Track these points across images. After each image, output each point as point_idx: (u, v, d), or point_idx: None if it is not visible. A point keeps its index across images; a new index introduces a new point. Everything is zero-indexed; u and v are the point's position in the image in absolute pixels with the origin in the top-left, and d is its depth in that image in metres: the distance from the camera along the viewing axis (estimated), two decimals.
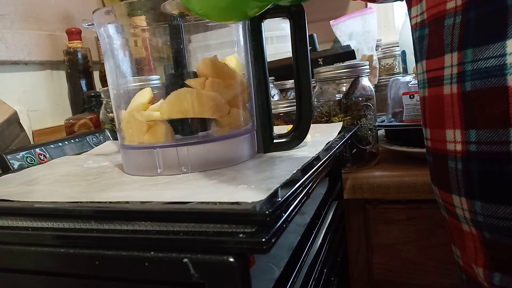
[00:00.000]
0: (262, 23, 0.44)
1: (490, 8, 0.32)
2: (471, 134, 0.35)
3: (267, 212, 0.24)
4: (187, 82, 0.41)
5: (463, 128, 0.35)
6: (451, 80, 0.36)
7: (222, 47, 0.45)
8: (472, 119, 0.34)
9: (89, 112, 0.91)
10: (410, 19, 0.44)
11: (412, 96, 0.69)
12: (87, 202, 0.32)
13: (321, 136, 0.52)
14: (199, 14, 0.36)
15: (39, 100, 0.98)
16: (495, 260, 0.36)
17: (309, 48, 0.45)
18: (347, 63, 0.74)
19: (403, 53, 1.05)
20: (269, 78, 0.52)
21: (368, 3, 1.16)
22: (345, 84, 0.66)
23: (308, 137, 0.47)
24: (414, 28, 0.42)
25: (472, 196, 0.36)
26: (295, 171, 0.34)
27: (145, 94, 0.42)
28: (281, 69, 0.85)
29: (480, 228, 0.36)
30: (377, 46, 1.05)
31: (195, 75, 0.42)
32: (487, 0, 0.32)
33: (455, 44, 0.35)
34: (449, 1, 0.35)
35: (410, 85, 0.71)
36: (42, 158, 0.58)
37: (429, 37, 0.39)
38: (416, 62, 0.44)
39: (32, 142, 0.82)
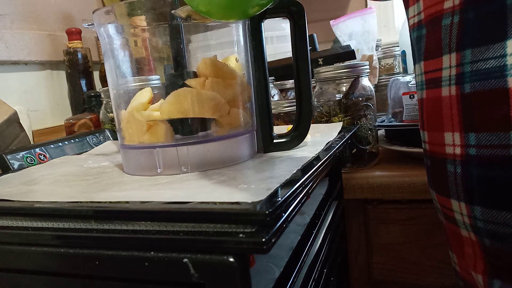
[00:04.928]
0: (262, 23, 0.44)
1: (490, 7, 0.31)
2: (471, 138, 0.34)
3: (267, 212, 0.24)
4: (187, 82, 0.41)
5: (462, 131, 0.34)
6: (450, 82, 0.35)
7: (222, 47, 0.45)
8: (472, 122, 0.33)
9: (89, 112, 0.91)
10: (408, 19, 0.43)
11: (412, 96, 0.69)
12: (87, 202, 0.32)
13: (321, 136, 0.52)
14: (201, 12, 0.36)
15: (39, 100, 0.98)
16: (495, 267, 0.35)
17: (309, 48, 0.45)
18: (347, 63, 0.74)
19: (403, 53, 1.05)
20: (269, 78, 0.52)
21: (369, 2, 1.16)
22: (345, 84, 0.65)
23: (308, 137, 0.47)
24: (411, 28, 0.42)
25: (471, 201, 0.35)
26: (295, 171, 0.34)
27: (145, 94, 0.42)
28: (281, 69, 0.85)
29: (479, 234, 0.35)
30: (377, 46, 1.05)
31: (195, 75, 0.42)
32: (486, 0, 0.32)
33: (453, 45, 0.34)
34: (446, 1, 0.34)
35: (410, 85, 0.71)
36: (42, 158, 0.57)
37: (426, 37, 0.38)
38: (414, 64, 0.43)
39: (32, 142, 0.82)
